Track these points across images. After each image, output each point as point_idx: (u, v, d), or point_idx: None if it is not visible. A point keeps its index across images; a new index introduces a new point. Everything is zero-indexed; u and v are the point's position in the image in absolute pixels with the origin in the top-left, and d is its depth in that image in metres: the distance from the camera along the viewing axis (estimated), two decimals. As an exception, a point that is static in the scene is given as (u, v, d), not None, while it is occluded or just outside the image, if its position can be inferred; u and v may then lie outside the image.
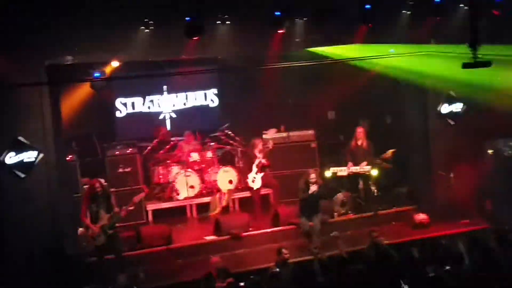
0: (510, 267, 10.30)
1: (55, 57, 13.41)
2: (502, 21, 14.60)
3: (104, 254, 12.75)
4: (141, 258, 13.74)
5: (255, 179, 15.63)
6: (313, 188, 13.83)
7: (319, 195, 14.07)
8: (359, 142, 16.02)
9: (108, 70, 14.50)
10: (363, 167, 15.75)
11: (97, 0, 12.25)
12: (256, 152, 15.76)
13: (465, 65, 10.88)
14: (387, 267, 11.01)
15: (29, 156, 12.23)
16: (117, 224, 12.98)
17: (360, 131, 16.10)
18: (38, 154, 12.29)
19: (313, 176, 13.93)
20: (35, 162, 12.30)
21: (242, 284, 11.02)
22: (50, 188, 13.06)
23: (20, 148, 12.19)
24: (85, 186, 14.33)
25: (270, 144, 15.81)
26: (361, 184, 16.02)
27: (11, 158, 12.09)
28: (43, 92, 13.08)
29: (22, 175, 12.24)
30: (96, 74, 14.36)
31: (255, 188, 15.71)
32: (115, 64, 14.57)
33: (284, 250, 12.05)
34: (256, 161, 15.63)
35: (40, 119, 12.89)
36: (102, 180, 14.07)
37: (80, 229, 13.34)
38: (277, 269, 11.45)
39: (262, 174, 15.66)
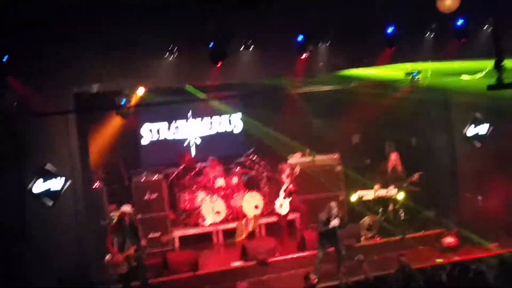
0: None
1: (82, 86, 13.55)
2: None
3: (130, 282, 12.72)
4: (168, 285, 13.73)
5: (282, 205, 15.63)
6: (335, 222, 13.59)
7: (339, 227, 13.92)
8: (391, 167, 16.01)
9: (134, 97, 14.62)
10: (390, 191, 15.67)
11: (122, 28, 12.37)
12: (284, 177, 15.80)
13: (490, 87, 10.81)
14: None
15: (57, 184, 12.30)
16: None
17: (394, 156, 16.08)
18: (65, 182, 12.37)
19: (335, 209, 13.75)
20: (62, 190, 12.38)
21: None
22: (77, 215, 13.14)
23: (47, 176, 12.26)
24: (111, 214, 14.37)
25: (297, 169, 15.80)
26: (388, 208, 15.92)
27: (38, 186, 12.17)
28: (70, 120, 13.22)
29: (50, 203, 12.31)
30: (122, 102, 14.49)
31: (283, 214, 15.69)
32: (140, 91, 14.70)
33: (311, 276, 11.97)
34: (284, 186, 15.62)
35: (67, 147, 13.02)
36: (128, 207, 14.14)
37: (108, 255, 13.37)
38: None
39: (289, 199, 15.64)
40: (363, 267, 12.46)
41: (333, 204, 13.81)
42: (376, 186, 15.79)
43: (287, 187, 15.66)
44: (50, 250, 12.52)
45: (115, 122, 15.85)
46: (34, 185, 12.10)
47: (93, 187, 14.79)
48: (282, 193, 15.65)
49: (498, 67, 10.79)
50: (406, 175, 16.05)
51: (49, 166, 12.31)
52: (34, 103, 12.23)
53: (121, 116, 15.24)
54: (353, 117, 17.66)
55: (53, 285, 12.47)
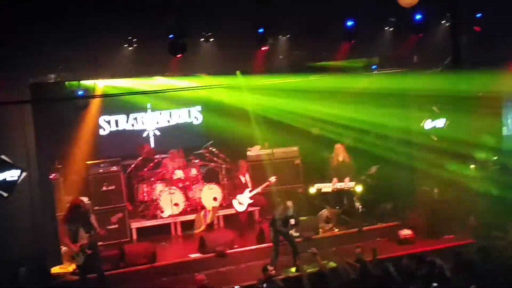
0: (493, 281, 10.29)
1: (38, 76, 13.37)
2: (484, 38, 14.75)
3: (86, 273, 12.62)
4: (125, 277, 13.64)
5: (241, 204, 15.66)
6: (292, 222, 13.77)
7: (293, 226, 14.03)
8: (340, 158, 16.10)
9: (93, 89, 14.51)
10: (348, 184, 15.81)
11: (80, 18, 12.24)
12: (242, 176, 15.86)
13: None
14: (369, 283, 10.97)
15: (12, 174, 12.13)
16: (99, 243, 12.93)
17: (338, 147, 16.18)
18: (21, 173, 12.20)
19: (291, 210, 13.84)
20: (18, 181, 12.22)
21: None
22: (33, 206, 12.99)
23: (2, 167, 12.10)
24: (67, 205, 14.24)
25: (273, 179, 15.88)
26: (345, 200, 16.04)
27: (-7, 176, 12.01)
28: (27, 110, 13.03)
29: (5, 194, 12.14)
30: (80, 92, 14.33)
31: (239, 211, 15.73)
32: (100, 83, 14.59)
33: (269, 267, 12.00)
34: (254, 192, 15.71)
35: (23, 138, 12.86)
36: (85, 199, 14.04)
37: (63, 248, 13.26)
38: (264, 285, 11.42)
39: (251, 201, 15.71)
40: (317, 259, 12.53)
41: (289, 204, 13.86)
42: (334, 180, 15.87)
43: (256, 193, 15.72)
44: (6, 242, 12.39)
45: (72, 113, 15.65)
46: (-11, 176, 11.94)
47: (50, 178, 14.59)
48: (247, 194, 15.68)
49: (455, 62, 10.93)
50: (353, 165, 16.15)
51: (4, 157, 12.14)
52: (-11, 93, 12.05)
53: (79, 108, 15.07)
54: (313, 109, 17.68)
55: (9, 277, 12.32)
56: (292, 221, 13.73)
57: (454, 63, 11.00)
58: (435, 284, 10.24)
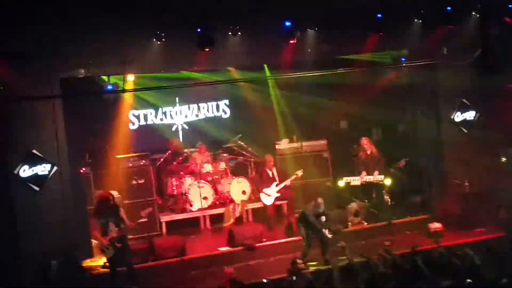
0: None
1: (69, 71, 13.52)
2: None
3: (116, 266, 12.74)
4: (154, 270, 13.73)
5: (269, 197, 15.66)
6: (323, 219, 13.74)
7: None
8: (368, 152, 16.04)
9: (122, 83, 14.58)
10: (376, 177, 15.74)
11: (110, 13, 12.31)
12: (269, 170, 15.86)
13: (478, 73, 10.85)
14: (398, 277, 10.90)
15: (43, 169, 12.30)
16: (129, 236, 13.05)
17: (365, 141, 16.12)
18: (52, 167, 12.36)
19: (322, 207, 13.80)
20: (49, 175, 12.37)
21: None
22: (64, 200, 13.13)
23: (34, 161, 12.27)
24: (97, 199, 14.38)
25: (300, 173, 15.90)
26: (374, 194, 15.98)
27: (25, 171, 12.19)
28: (57, 105, 13.17)
29: (37, 188, 12.31)
30: (109, 87, 14.44)
31: (266, 204, 15.74)
32: (130, 78, 14.67)
33: (298, 260, 12.00)
34: (281, 185, 15.71)
35: (54, 132, 12.98)
36: (115, 193, 14.14)
37: (94, 241, 13.39)
38: (293, 277, 11.41)
39: (278, 195, 15.71)
40: (346, 252, 12.50)
41: (320, 200, 13.80)
42: (363, 173, 15.83)
43: (283, 186, 15.71)
44: (37, 236, 12.57)
45: (102, 108, 15.77)
46: (21, 170, 12.09)
47: (80, 172, 14.73)
48: (274, 188, 15.68)
49: (485, 54, 10.82)
50: (384, 157, 16.09)
51: (35, 151, 12.29)
52: (20, 88, 12.19)
53: (109, 102, 15.18)
54: (341, 103, 17.65)
55: (41, 270, 12.48)
56: (323, 218, 13.69)
57: (484, 55, 10.83)
58: (469, 280, 10.14)
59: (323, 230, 13.54)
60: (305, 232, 13.78)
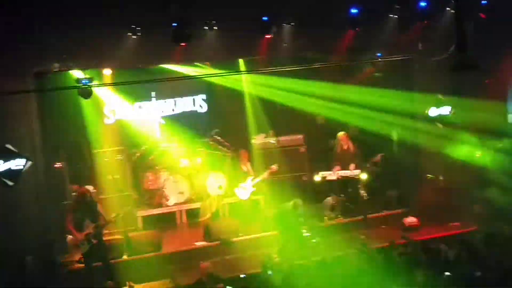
0: (497, 268, 10.29)
1: (42, 65, 13.39)
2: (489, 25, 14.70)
3: (91, 262, 12.69)
4: (130, 265, 13.68)
5: (244, 191, 15.64)
6: (301, 220, 13.79)
7: None
8: (345, 147, 16.07)
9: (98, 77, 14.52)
10: (353, 171, 15.78)
11: (84, 7, 12.24)
12: (243, 165, 15.84)
13: (452, 68, 10.90)
14: (374, 270, 10.97)
15: (17, 163, 12.11)
16: (105, 231, 13.01)
17: (342, 136, 16.14)
18: (26, 162, 12.20)
19: (301, 209, 13.87)
20: (23, 170, 12.23)
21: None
22: (38, 195, 13.05)
23: (8, 156, 12.09)
24: (73, 194, 14.30)
25: (275, 167, 15.83)
26: (350, 188, 16.04)
27: (-1, 166, 12.03)
28: (31, 100, 13.08)
29: (10, 183, 12.15)
30: (84, 81, 14.32)
31: (242, 199, 15.73)
32: (107, 72, 14.59)
33: (274, 255, 12.04)
34: (257, 180, 15.65)
35: (28, 127, 12.91)
36: (91, 188, 14.08)
37: (69, 236, 13.31)
38: (269, 272, 11.45)
39: (254, 189, 15.69)
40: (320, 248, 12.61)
41: (299, 202, 14.03)
42: (336, 168, 15.86)
43: (259, 181, 15.68)
44: (12, 231, 12.45)
45: (77, 102, 15.65)
46: (-6, 165, 11.96)
47: (55, 167, 14.63)
48: (249, 182, 15.65)
49: (460, 49, 10.87)
50: (360, 152, 16.13)
51: (9, 146, 12.17)
52: (-7, 82, 12.09)
53: (83, 97, 15.06)
54: (318, 98, 17.67)
55: (16, 266, 12.39)
56: (301, 219, 13.71)
57: (459, 50, 10.90)
58: (447, 273, 10.23)
59: (302, 230, 13.54)
60: (281, 229, 13.80)
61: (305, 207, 14.32)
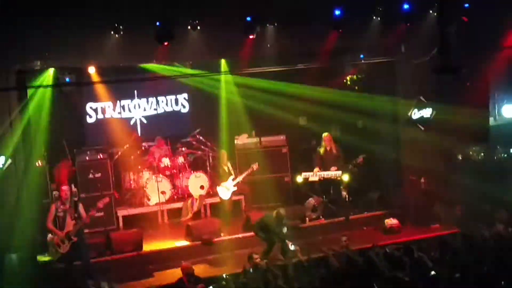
0: (476, 269, 10.35)
1: (24, 62, 13.29)
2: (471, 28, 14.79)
3: (72, 261, 12.63)
4: (111, 264, 13.64)
5: (226, 191, 15.57)
6: (284, 231, 13.65)
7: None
8: (328, 148, 16.08)
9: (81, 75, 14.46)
10: (335, 172, 15.78)
11: (67, 5, 12.18)
12: (224, 165, 15.78)
13: (434, 71, 10.96)
14: (354, 272, 10.99)
15: (-3, 162, 12.11)
16: (85, 230, 12.95)
17: (326, 137, 16.14)
18: (6, 160, 12.17)
19: (285, 219, 13.72)
20: (3, 168, 12.18)
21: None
22: (19, 194, 12.94)
23: (-13, 155, 12.06)
24: (54, 192, 14.21)
25: (255, 166, 15.74)
26: (332, 190, 16.05)
27: (-21, 165, 11.97)
28: (12, 98, 12.97)
29: (-10, 182, 12.12)
30: (67, 79, 14.26)
31: (224, 198, 15.67)
32: (91, 70, 14.52)
33: (255, 255, 12.03)
34: (238, 179, 15.62)
35: (9, 125, 12.79)
36: (70, 187, 14.01)
37: (49, 235, 13.22)
38: (250, 270, 11.47)
39: (235, 189, 15.65)
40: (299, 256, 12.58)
41: (282, 212, 13.70)
42: (316, 169, 15.85)
43: (240, 180, 15.65)
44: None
45: (59, 100, 15.58)
46: (-26, 163, 11.90)
47: (36, 165, 14.52)
48: (231, 182, 15.58)
49: (442, 51, 10.93)
50: (342, 154, 16.13)
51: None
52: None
53: (65, 95, 15.02)
54: (300, 99, 17.70)
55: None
56: (285, 229, 13.64)
57: (441, 53, 10.97)
58: (433, 272, 10.28)
59: (286, 241, 13.41)
60: (265, 239, 13.73)
61: (288, 213, 14.17)
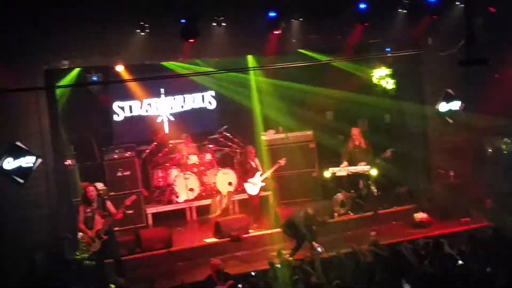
0: (507, 263, 10.24)
1: (52, 62, 13.41)
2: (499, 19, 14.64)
3: (103, 259, 12.73)
4: (141, 262, 13.72)
5: (254, 186, 15.58)
6: (314, 229, 13.64)
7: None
8: (357, 143, 15.98)
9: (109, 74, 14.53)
10: (363, 167, 15.70)
11: (93, 4, 12.27)
12: (252, 161, 15.78)
13: (461, 63, 10.86)
14: (385, 266, 10.94)
15: (27, 161, 12.19)
16: (115, 228, 13.04)
17: (355, 132, 16.07)
18: (36, 159, 12.26)
19: (313, 218, 13.66)
20: (34, 167, 12.28)
21: (240, 286, 10.93)
22: (49, 193, 13.09)
23: (18, 153, 12.15)
24: (83, 191, 14.33)
25: (283, 161, 15.75)
26: (361, 184, 15.97)
27: (9, 163, 12.05)
28: (41, 97, 13.10)
29: (21, 181, 12.20)
30: (94, 78, 14.35)
31: (252, 194, 15.69)
32: (119, 68, 14.59)
33: (284, 251, 12.03)
34: (265, 174, 15.64)
35: (38, 124, 12.94)
36: (100, 185, 14.15)
37: (80, 233, 13.34)
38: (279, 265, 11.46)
39: (263, 184, 15.66)
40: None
41: (310, 211, 13.64)
42: (344, 163, 15.78)
43: (267, 176, 15.66)
44: (22, 229, 12.52)
45: (87, 99, 15.70)
46: (5, 162, 12.00)
47: (65, 164, 14.66)
48: (258, 177, 15.59)
49: (469, 44, 10.83)
50: (372, 149, 16.05)
51: (19, 144, 12.20)
52: (3, 80, 12.10)
53: (93, 94, 15.12)
54: (327, 94, 17.65)
55: (27, 263, 12.44)
56: (314, 228, 13.63)
57: (468, 45, 10.86)
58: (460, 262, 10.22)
59: (313, 243, 13.34)
60: (293, 237, 13.69)
61: (316, 208, 14.14)
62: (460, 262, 10.44)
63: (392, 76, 16.65)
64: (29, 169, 12.29)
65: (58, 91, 14.28)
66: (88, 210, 12.58)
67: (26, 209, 12.63)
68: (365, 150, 15.97)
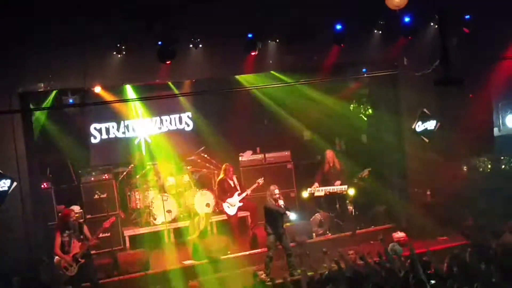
0: (485, 280, 10.27)
1: (27, 85, 13.32)
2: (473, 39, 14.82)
3: (80, 283, 12.59)
4: (119, 285, 13.60)
5: (233, 206, 15.57)
6: (288, 214, 13.74)
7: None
8: (331, 164, 16.08)
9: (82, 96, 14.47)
10: (340, 187, 15.75)
11: (69, 26, 12.24)
12: (228, 178, 15.78)
13: (437, 83, 10.94)
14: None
15: (2, 185, 12.06)
16: (92, 252, 12.91)
17: (329, 154, 16.17)
18: (12, 183, 12.14)
19: (276, 191, 13.81)
20: (9, 191, 12.15)
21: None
22: (25, 216, 12.96)
23: (-7, 177, 12.04)
24: (59, 214, 14.21)
25: (261, 180, 15.79)
26: (338, 204, 16.01)
27: (-16, 187, 11.94)
28: (16, 120, 12.99)
29: (-4, 204, 12.09)
30: (70, 101, 14.27)
31: (231, 214, 15.68)
32: (97, 89, 14.55)
33: (259, 273, 12.00)
34: (243, 194, 15.67)
35: (13, 147, 12.81)
36: (77, 208, 14.00)
37: (56, 257, 13.20)
38: None
39: (241, 204, 15.64)
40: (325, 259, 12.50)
41: (272, 187, 13.83)
42: (315, 184, 15.83)
43: (245, 195, 15.66)
44: (-1, 252, 12.38)
45: (63, 122, 15.61)
46: (-21, 186, 11.88)
47: (41, 187, 14.53)
48: (236, 198, 15.61)
49: (444, 64, 10.93)
50: (346, 169, 16.15)
51: (-6, 167, 12.09)
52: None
53: (69, 116, 15.03)
54: (304, 114, 17.72)
55: (3, 287, 12.29)
56: (281, 202, 13.66)
57: (443, 65, 10.97)
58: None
59: (286, 212, 13.54)
60: (273, 240, 13.68)
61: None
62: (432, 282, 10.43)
63: (368, 100, 16.79)
64: (4, 192, 12.17)
65: (35, 114, 14.18)
66: (65, 234, 12.45)
67: (1, 232, 12.48)
68: (339, 171, 16.07)
